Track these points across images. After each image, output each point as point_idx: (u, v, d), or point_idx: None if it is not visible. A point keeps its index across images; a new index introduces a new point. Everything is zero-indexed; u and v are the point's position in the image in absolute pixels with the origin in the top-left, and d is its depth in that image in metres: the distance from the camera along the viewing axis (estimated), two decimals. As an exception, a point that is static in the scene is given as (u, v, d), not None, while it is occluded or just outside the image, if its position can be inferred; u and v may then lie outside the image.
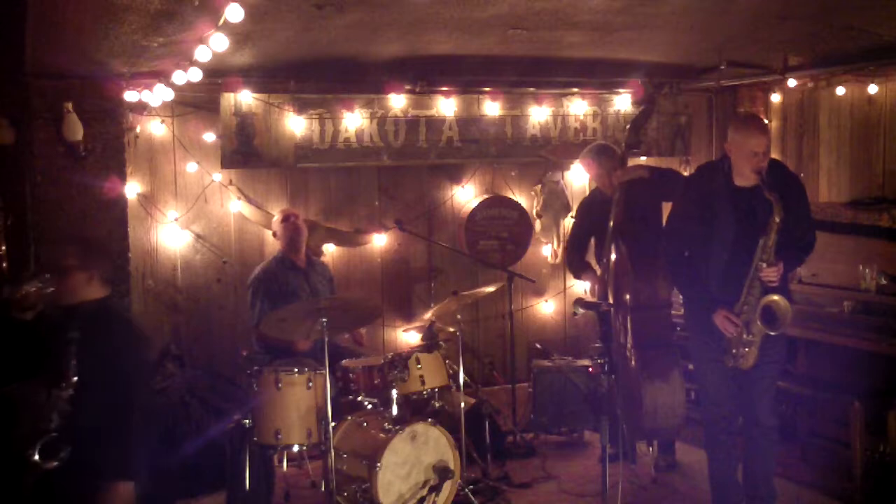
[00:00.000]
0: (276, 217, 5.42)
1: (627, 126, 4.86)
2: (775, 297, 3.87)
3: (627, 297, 4.62)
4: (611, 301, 4.78)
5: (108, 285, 3.68)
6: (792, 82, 5.93)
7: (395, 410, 4.51)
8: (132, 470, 3.47)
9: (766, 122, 4.57)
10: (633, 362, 4.58)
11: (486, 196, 6.36)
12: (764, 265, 3.89)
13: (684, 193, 4.40)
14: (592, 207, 5.29)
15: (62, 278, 3.53)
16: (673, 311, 4.95)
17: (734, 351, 4.04)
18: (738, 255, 4.00)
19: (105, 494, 3.39)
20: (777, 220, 3.82)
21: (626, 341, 4.63)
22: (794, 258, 4.08)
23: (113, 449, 3.45)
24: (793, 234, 3.96)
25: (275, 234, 5.39)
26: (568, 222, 6.56)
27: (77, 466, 3.40)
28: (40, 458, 3.33)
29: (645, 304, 4.58)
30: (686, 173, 6.86)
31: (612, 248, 4.78)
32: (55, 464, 3.35)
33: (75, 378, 3.41)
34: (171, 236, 5.63)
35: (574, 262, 5.40)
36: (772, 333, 3.91)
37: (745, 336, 3.98)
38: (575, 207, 6.40)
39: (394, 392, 4.54)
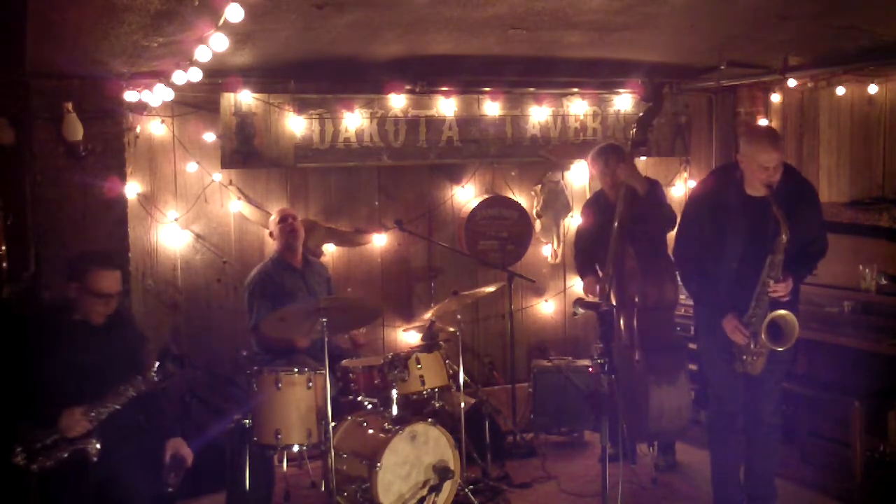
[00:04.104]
0: (273, 217, 5.40)
1: (634, 124, 4.85)
2: (782, 312, 3.87)
3: (635, 298, 4.60)
4: (614, 302, 4.76)
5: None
6: (792, 82, 5.92)
7: (395, 410, 4.51)
8: None
9: (779, 136, 4.52)
10: (638, 364, 4.56)
11: (486, 196, 6.35)
12: (772, 282, 3.89)
13: (697, 198, 4.39)
14: (597, 208, 5.28)
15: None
16: (676, 312, 4.95)
17: (744, 357, 4.06)
18: (748, 263, 4.00)
19: None
20: (784, 238, 3.81)
21: (632, 342, 4.61)
22: (804, 266, 4.07)
23: None
24: (804, 240, 3.96)
25: (271, 235, 5.36)
26: (568, 222, 6.56)
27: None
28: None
29: (652, 306, 4.57)
30: (685, 175, 6.88)
31: (618, 248, 4.77)
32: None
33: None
34: (171, 236, 5.63)
35: (579, 263, 5.40)
36: (778, 349, 3.91)
37: (752, 347, 3.99)
38: (576, 208, 6.41)
39: (394, 392, 4.54)
